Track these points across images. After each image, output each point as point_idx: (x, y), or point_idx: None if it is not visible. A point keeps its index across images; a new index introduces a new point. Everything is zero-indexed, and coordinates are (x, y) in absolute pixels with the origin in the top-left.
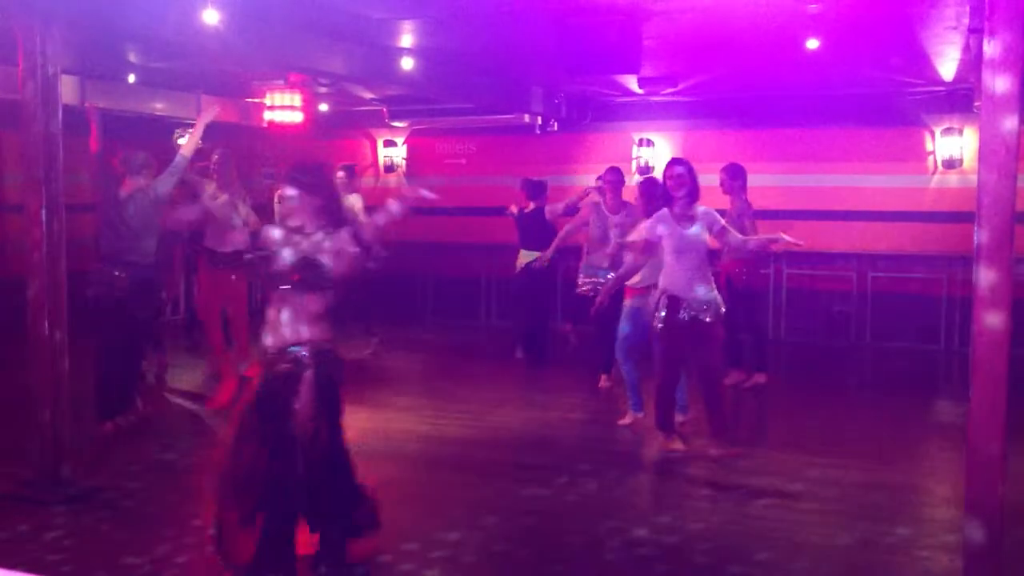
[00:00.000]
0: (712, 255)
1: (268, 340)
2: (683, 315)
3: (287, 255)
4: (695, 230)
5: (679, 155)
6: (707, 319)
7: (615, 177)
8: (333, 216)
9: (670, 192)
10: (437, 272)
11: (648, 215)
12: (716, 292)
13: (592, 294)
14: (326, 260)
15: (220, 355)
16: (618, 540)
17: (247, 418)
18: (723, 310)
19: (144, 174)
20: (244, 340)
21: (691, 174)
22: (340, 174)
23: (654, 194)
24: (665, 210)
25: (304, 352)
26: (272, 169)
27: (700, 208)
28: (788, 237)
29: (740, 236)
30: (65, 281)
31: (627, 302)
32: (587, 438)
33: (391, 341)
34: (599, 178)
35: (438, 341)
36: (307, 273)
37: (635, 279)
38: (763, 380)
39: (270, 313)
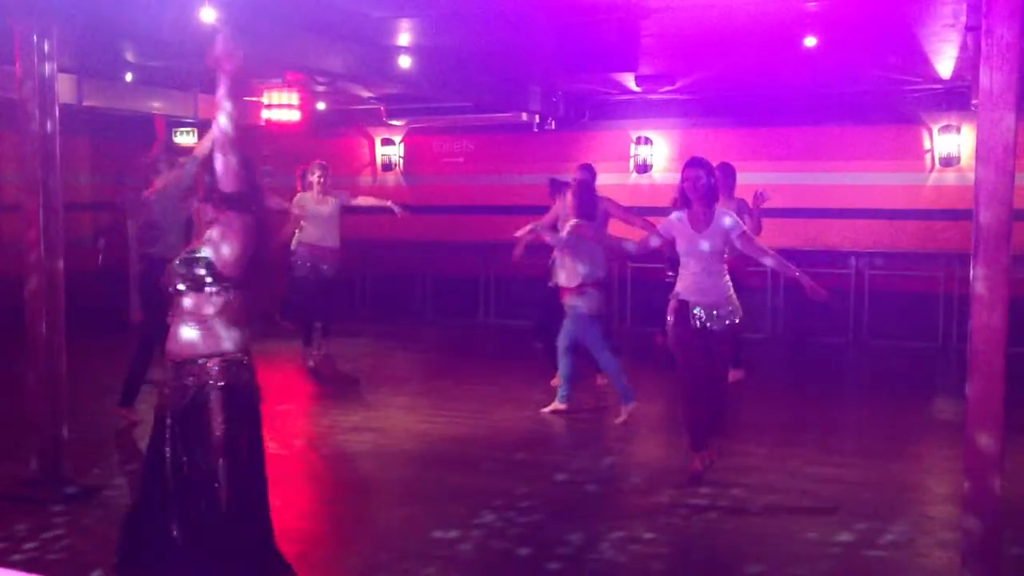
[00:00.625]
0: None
1: (169, 351)
2: (694, 322)
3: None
4: (710, 234)
5: (676, 153)
6: (718, 327)
7: (582, 176)
8: (231, 204)
9: (686, 194)
10: (435, 271)
11: (579, 214)
12: (733, 299)
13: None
14: (209, 253)
15: None
16: (616, 538)
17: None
18: (738, 318)
19: (167, 174)
20: None
21: (708, 176)
22: (316, 174)
23: (584, 191)
24: (684, 211)
25: (213, 367)
26: (271, 167)
27: (720, 211)
28: (805, 283)
29: (762, 247)
30: (63, 281)
31: (564, 301)
32: (585, 436)
33: (390, 338)
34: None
35: (436, 339)
36: (185, 272)
37: (567, 278)
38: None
39: (171, 321)
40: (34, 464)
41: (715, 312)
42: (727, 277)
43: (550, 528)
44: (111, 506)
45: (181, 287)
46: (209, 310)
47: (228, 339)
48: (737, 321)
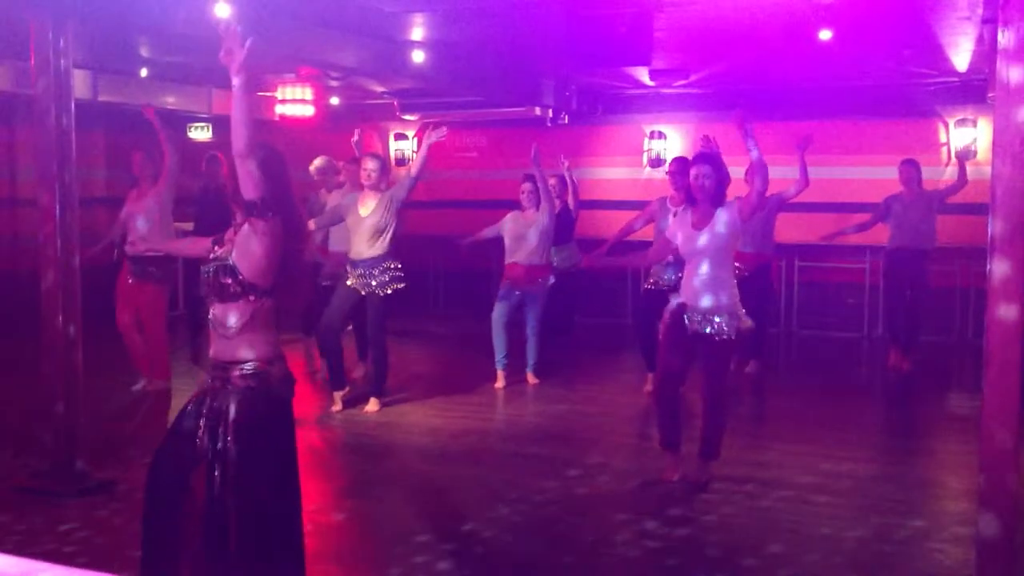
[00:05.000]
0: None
1: (210, 352)
2: (687, 324)
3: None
4: (711, 234)
5: (690, 147)
6: (713, 335)
7: (676, 168)
8: (251, 212)
9: (693, 193)
10: (447, 265)
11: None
12: (735, 306)
13: (655, 289)
14: (234, 260)
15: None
16: (629, 532)
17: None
18: (738, 328)
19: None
20: None
21: (716, 175)
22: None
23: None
24: (687, 211)
25: (235, 375)
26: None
27: (720, 211)
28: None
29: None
30: (79, 275)
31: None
32: (599, 431)
33: (403, 333)
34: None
35: (448, 334)
36: (211, 280)
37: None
38: (756, 369)
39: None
40: (50, 457)
41: (711, 319)
42: (732, 281)
43: (564, 522)
44: (127, 499)
45: (209, 295)
46: (235, 319)
47: (254, 348)
48: (735, 333)
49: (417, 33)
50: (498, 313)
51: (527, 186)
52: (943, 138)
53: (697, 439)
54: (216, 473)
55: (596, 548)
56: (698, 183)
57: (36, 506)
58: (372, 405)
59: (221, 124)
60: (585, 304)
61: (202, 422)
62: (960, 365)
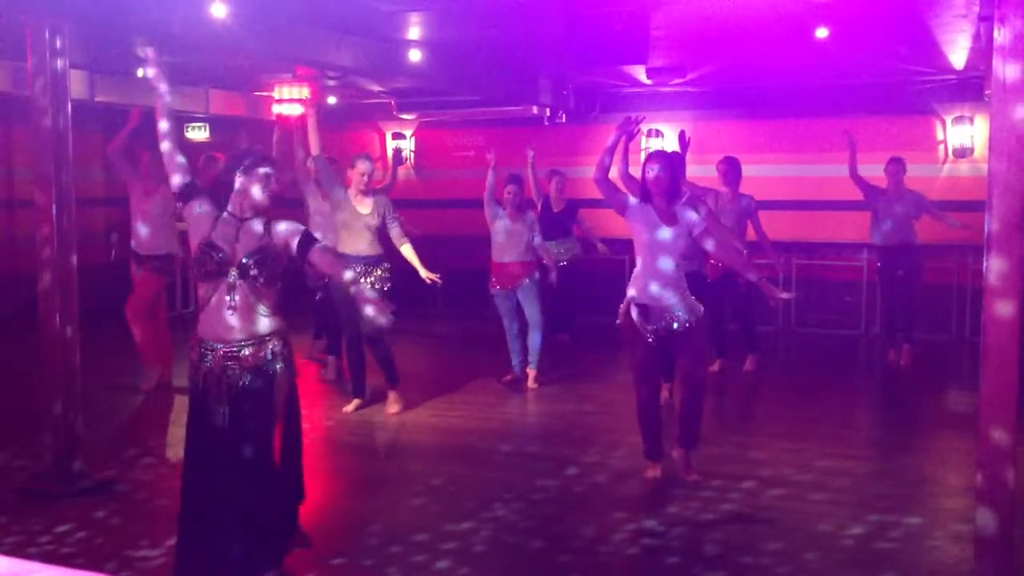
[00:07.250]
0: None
1: (224, 334)
2: (653, 325)
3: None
4: (672, 232)
5: (689, 145)
6: (679, 327)
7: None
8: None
9: (648, 187)
10: (447, 264)
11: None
12: (689, 297)
13: None
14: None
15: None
16: (628, 531)
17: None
18: (696, 315)
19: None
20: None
21: (670, 171)
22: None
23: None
24: (646, 206)
25: (275, 344)
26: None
27: (681, 209)
28: (763, 288)
29: (727, 245)
30: (76, 276)
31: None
32: (597, 429)
33: (401, 332)
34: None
35: (448, 333)
36: (259, 264)
37: None
38: (753, 366)
39: (216, 306)
40: (48, 458)
41: (673, 312)
42: (682, 276)
43: (562, 521)
44: (125, 500)
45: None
46: (272, 295)
47: (281, 318)
48: (695, 321)
49: (414, 32)
50: (508, 323)
51: (512, 188)
52: (940, 136)
53: (676, 430)
54: (257, 435)
55: (595, 547)
56: (652, 177)
57: (34, 507)
58: (393, 405)
59: (218, 124)
60: (585, 302)
61: (226, 404)
62: (957, 362)
